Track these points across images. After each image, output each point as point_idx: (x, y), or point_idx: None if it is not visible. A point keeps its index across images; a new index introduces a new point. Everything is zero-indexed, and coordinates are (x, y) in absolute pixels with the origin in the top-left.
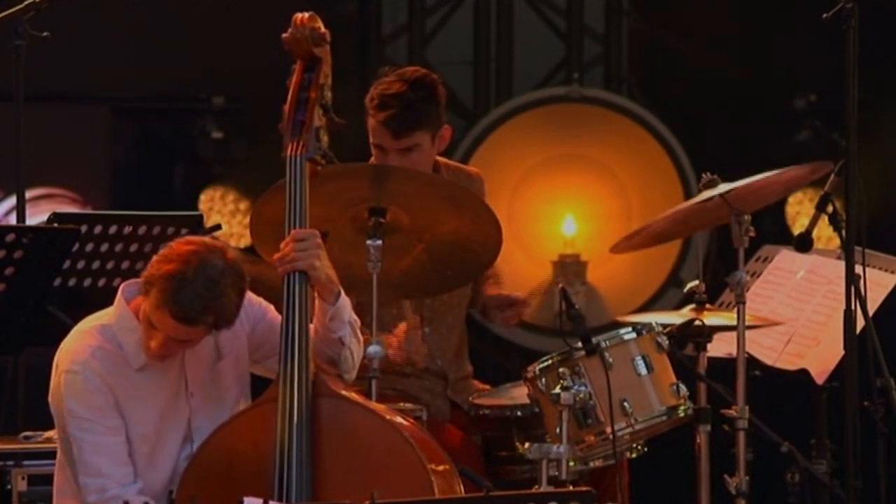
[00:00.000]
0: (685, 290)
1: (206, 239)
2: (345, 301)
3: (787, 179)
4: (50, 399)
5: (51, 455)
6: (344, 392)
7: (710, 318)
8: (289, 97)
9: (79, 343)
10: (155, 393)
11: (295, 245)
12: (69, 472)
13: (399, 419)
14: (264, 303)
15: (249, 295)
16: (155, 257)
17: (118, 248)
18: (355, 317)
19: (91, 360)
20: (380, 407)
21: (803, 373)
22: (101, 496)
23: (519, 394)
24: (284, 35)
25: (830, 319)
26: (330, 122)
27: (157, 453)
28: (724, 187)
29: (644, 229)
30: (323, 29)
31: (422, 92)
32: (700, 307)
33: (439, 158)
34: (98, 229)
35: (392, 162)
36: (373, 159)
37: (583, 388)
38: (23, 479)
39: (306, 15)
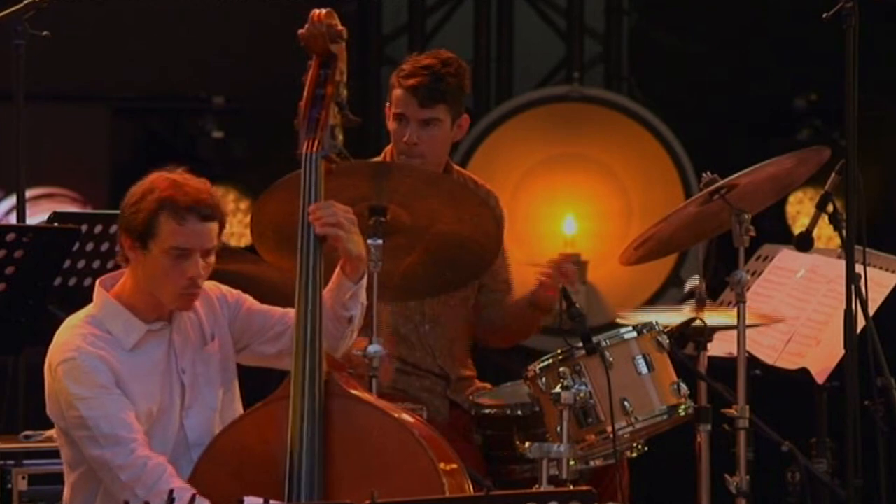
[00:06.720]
0: (685, 288)
1: None
2: (364, 282)
3: (788, 168)
4: (49, 405)
5: (52, 454)
6: (355, 392)
7: (711, 318)
8: (305, 94)
9: (68, 335)
10: (150, 371)
11: (343, 213)
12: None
13: (409, 418)
14: (238, 292)
15: (223, 287)
16: (136, 208)
17: (118, 247)
18: (364, 299)
19: (84, 345)
20: (390, 406)
21: (804, 372)
22: (128, 459)
23: (519, 393)
24: (301, 31)
25: (831, 319)
26: (345, 120)
27: (157, 431)
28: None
29: (650, 238)
30: (340, 26)
31: (451, 68)
32: (700, 306)
33: (463, 171)
34: (98, 229)
35: (411, 133)
36: (390, 146)
37: (583, 388)
38: (23, 478)
39: (323, 11)
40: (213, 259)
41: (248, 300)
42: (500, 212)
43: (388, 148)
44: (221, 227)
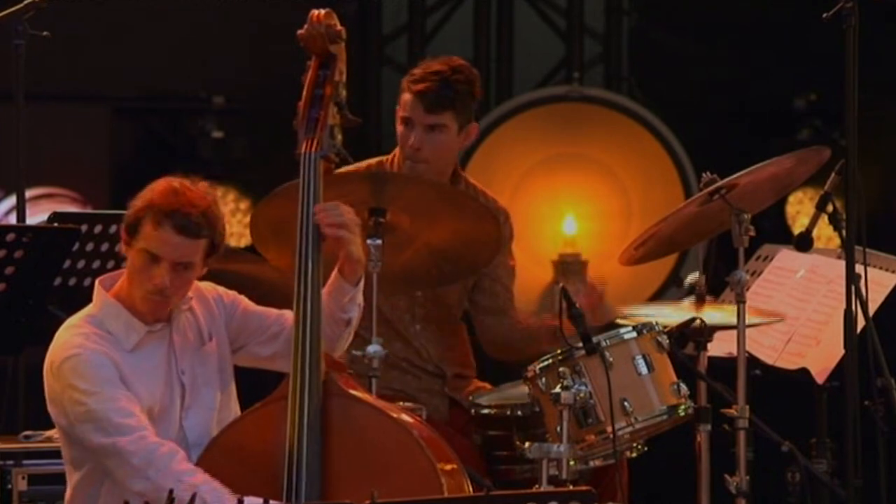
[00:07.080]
0: (685, 283)
1: None
2: (361, 284)
3: (788, 168)
4: (51, 406)
5: (52, 454)
6: (354, 392)
7: (710, 312)
8: (304, 94)
9: (69, 334)
10: (150, 371)
11: (347, 212)
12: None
13: (408, 418)
14: (235, 293)
15: (219, 288)
16: (132, 205)
17: (118, 247)
18: (362, 300)
19: (87, 343)
20: (389, 406)
21: (804, 372)
22: (138, 444)
23: (519, 393)
24: (300, 31)
25: (831, 319)
26: (344, 120)
27: (158, 432)
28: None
29: (650, 238)
30: (339, 26)
31: (461, 76)
32: (700, 301)
33: (474, 183)
34: (98, 229)
35: (417, 138)
36: (398, 139)
37: (583, 388)
38: (23, 478)
39: (322, 11)
40: (191, 274)
41: (245, 301)
42: (510, 228)
43: (397, 150)
44: (211, 246)
